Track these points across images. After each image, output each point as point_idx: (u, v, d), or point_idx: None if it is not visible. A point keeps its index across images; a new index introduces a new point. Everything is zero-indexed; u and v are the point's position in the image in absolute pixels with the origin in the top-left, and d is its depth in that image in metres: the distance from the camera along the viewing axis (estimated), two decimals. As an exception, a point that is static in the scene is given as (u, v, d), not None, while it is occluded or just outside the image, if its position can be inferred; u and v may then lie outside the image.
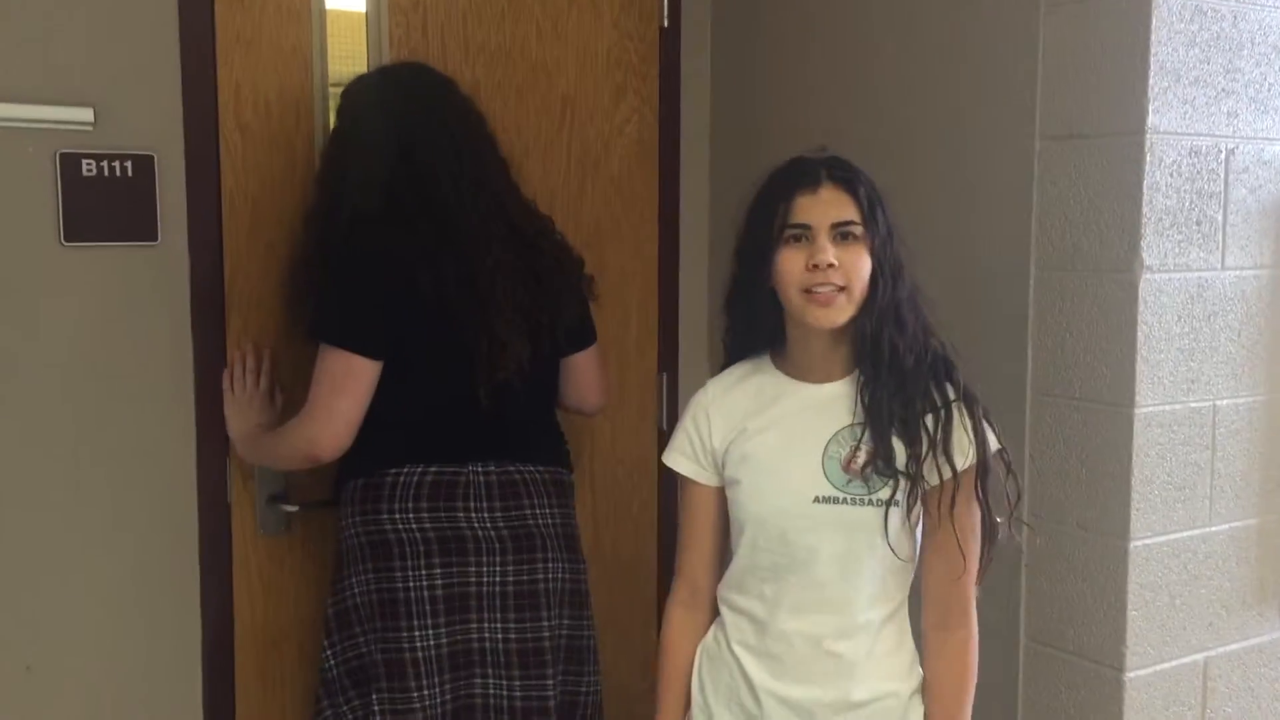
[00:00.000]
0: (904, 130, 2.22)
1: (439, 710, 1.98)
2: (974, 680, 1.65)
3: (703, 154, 2.71)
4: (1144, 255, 1.85)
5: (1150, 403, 1.88)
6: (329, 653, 2.04)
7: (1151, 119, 1.83)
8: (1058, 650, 2.00)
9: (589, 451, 2.56)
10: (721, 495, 1.69)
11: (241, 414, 2.15)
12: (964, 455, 1.57)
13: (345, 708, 2.03)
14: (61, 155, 2.01)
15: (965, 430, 1.58)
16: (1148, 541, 1.91)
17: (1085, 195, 1.91)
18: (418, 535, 1.97)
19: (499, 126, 2.41)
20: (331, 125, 2.20)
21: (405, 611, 1.96)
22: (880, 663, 1.62)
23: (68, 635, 2.09)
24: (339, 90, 2.17)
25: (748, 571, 1.65)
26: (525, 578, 2.02)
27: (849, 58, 2.36)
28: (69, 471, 2.07)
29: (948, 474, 1.56)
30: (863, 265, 1.55)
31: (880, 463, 1.55)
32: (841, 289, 1.54)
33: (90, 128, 2.02)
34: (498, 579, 2.00)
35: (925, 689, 1.65)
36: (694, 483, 1.70)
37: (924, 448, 1.55)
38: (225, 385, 2.16)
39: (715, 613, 1.73)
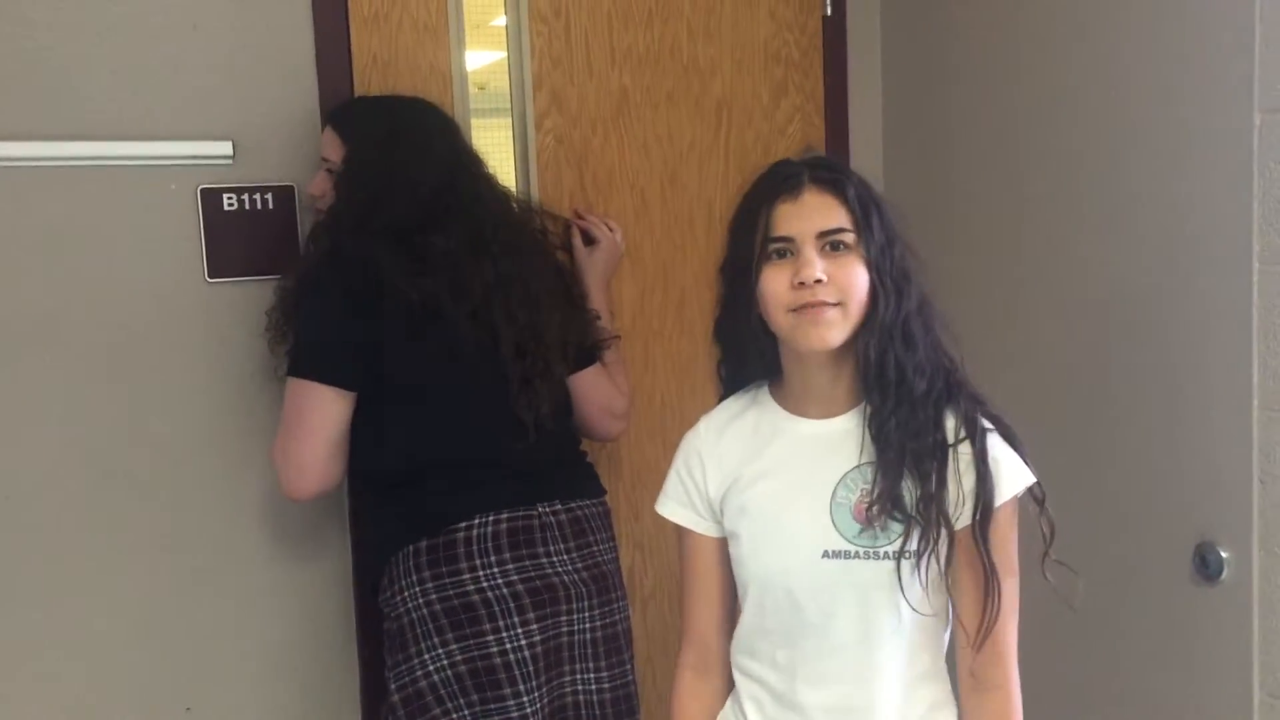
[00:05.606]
0: (1106, 118, 1.96)
1: None
2: None
3: (874, 157, 2.50)
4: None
5: None
6: None
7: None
8: (1301, 712, 1.71)
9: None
10: (726, 545, 1.48)
11: None
12: (961, 502, 1.34)
13: None
14: (203, 191, 1.99)
15: (962, 472, 1.35)
16: None
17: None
18: (506, 592, 1.82)
19: (650, 134, 2.29)
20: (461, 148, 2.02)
21: (508, 678, 1.79)
22: None
23: (225, 678, 2.07)
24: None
25: (757, 634, 1.45)
26: (607, 621, 1.90)
27: (1045, 41, 2.10)
28: (217, 518, 2.05)
29: (967, 520, 1.34)
30: (857, 278, 1.33)
31: (890, 506, 1.33)
32: (835, 304, 1.33)
33: (230, 161, 2.00)
34: (585, 626, 1.88)
35: None
36: (694, 533, 1.49)
37: (933, 486, 1.33)
38: None
39: (729, 677, 1.52)
